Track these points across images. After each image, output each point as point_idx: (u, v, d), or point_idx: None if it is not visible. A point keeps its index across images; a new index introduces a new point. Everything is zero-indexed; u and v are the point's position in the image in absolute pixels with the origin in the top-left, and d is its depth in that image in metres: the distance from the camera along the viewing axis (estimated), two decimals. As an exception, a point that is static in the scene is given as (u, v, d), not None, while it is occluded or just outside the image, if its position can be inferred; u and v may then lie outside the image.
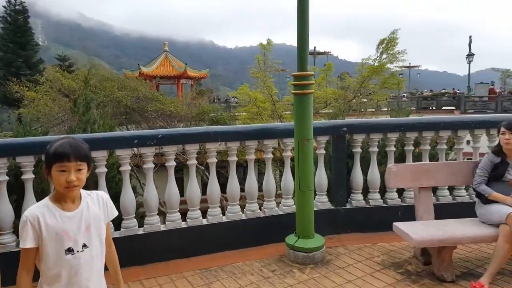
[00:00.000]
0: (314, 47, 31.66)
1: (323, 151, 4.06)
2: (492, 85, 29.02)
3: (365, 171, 4.16)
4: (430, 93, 30.88)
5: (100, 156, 3.57)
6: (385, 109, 24.44)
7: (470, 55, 29.82)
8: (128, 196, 3.71)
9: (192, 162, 3.87)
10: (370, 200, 4.10)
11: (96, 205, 1.77)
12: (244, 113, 20.70)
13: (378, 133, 4.04)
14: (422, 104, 26.39)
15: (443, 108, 26.38)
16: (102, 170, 3.61)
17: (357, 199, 4.10)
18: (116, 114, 20.05)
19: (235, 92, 23.06)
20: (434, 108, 26.50)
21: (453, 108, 25.67)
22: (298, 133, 3.45)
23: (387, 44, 18.50)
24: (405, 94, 29.43)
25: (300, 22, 3.32)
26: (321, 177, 4.06)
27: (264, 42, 19.37)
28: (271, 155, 4.01)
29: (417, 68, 44.39)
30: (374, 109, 21.92)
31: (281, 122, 20.46)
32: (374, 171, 4.09)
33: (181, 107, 19.73)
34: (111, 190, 4.37)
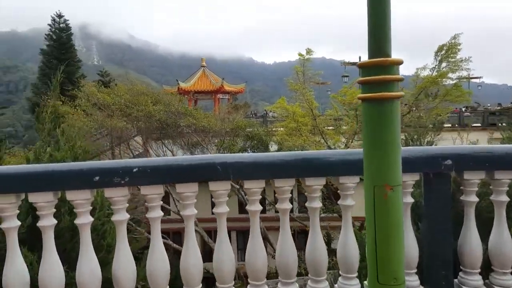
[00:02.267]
0: (360, 57, 29.63)
1: (410, 200, 2.39)
2: None
3: (481, 233, 2.41)
4: (499, 108, 27.33)
5: (43, 200, 2.15)
6: (448, 125, 21.83)
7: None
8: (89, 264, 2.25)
9: (189, 212, 2.35)
10: (495, 286, 2.34)
11: None
12: (281, 129, 19.24)
13: (509, 171, 2.30)
14: (488, 120, 23.38)
15: (517, 124, 23.22)
16: (47, 222, 2.19)
17: (473, 283, 2.36)
18: (152, 130, 19.36)
19: (271, 106, 21.65)
20: (504, 124, 23.41)
21: (529, 126, 22.41)
22: (374, 173, 1.80)
23: (447, 51, 16.30)
24: (464, 108, 26.41)
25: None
26: (408, 243, 2.37)
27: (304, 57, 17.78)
28: (318, 204, 2.40)
29: (478, 80, 40.27)
30: (432, 125, 19.56)
31: (323, 139, 18.69)
32: (503, 236, 2.33)
33: (214, 122, 18.62)
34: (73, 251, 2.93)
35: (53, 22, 27.91)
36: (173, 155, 20.11)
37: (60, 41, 26.69)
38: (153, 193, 2.28)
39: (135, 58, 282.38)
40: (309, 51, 17.35)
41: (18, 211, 2.18)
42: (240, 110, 22.79)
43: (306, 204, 2.43)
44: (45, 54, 26.60)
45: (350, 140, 18.85)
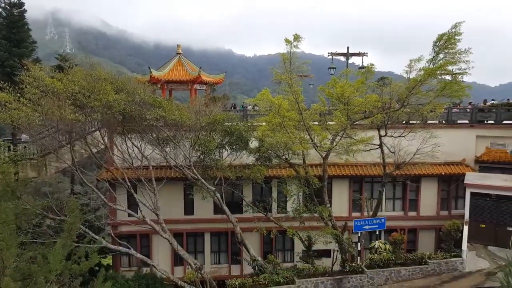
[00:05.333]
0: (348, 48, 27.91)
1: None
2: None
3: None
4: (488, 104, 25.96)
5: None
6: (433, 121, 20.50)
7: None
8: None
9: None
10: None
11: None
12: (263, 124, 17.23)
13: None
14: (477, 116, 22.28)
15: (504, 122, 22.14)
16: None
17: None
18: (113, 122, 16.77)
19: (252, 99, 19.58)
20: (493, 122, 22.28)
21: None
22: None
23: (446, 41, 14.70)
24: (451, 104, 25.05)
25: None
26: None
27: (283, 50, 15.74)
28: None
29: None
30: (419, 121, 18.17)
31: (309, 135, 16.85)
32: None
33: (188, 115, 16.38)
34: None
35: (2, -5, 24.45)
36: (141, 152, 17.79)
37: (10, 18, 23.46)
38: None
39: (110, 46, 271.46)
40: (297, 37, 15.33)
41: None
42: (219, 103, 20.60)
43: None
44: (-7, 34, 23.31)
45: (338, 137, 17.12)
